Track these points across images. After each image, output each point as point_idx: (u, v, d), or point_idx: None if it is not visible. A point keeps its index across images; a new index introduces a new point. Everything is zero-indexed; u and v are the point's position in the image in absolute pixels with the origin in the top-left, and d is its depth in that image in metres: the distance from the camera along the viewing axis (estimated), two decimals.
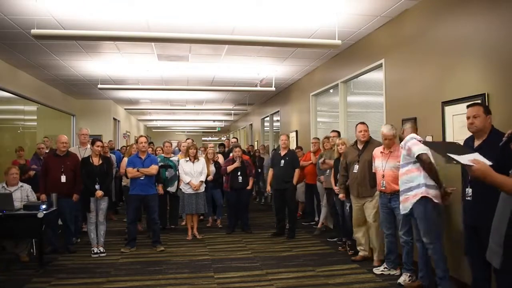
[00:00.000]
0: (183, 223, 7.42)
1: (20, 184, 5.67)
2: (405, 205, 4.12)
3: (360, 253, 5.38)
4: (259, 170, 10.61)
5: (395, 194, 4.52)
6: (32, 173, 6.75)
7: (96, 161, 5.86)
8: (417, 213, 4.00)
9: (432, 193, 3.97)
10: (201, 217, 8.06)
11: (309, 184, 7.80)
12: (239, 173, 7.23)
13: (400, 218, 4.46)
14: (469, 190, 3.35)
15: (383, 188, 4.65)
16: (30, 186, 5.77)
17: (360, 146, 5.27)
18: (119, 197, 8.93)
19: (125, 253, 5.89)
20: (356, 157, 5.22)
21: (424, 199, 3.97)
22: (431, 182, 3.97)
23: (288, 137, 7.03)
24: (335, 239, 6.40)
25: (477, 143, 3.34)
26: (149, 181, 6.11)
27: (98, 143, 5.91)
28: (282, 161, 6.78)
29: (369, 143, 5.25)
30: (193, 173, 6.81)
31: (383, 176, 4.64)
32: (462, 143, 3.65)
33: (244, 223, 7.40)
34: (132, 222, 6.15)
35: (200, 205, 6.86)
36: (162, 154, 7.56)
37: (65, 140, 5.96)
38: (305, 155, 7.95)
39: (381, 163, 4.72)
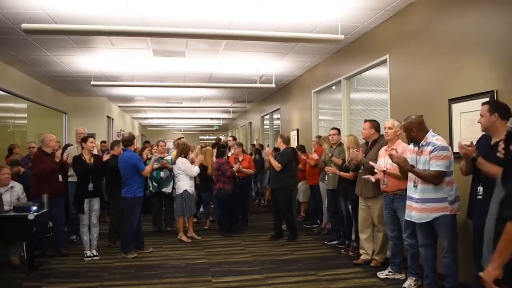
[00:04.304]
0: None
1: (11, 184, 5.61)
2: (421, 215, 3.94)
3: (362, 257, 5.38)
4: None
5: (398, 194, 4.52)
6: (21, 169, 6.67)
7: (88, 159, 5.86)
8: (442, 224, 3.88)
9: (454, 206, 3.89)
10: (196, 220, 8.08)
11: (310, 185, 7.79)
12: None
13: (404, 220, 4.44)
14: (480, 189, 3.36)
15: (384, 186, 4.64)
16: (22, 186, 5.71)
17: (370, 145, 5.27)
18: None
19: (126, 258, 5.84)
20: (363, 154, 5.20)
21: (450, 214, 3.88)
22: (452, 196, 3.88)
23: (282, 137, 6.99)
24: (334, 242, 6.41)
25: (493, 141, 3.33)
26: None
27: (91, 139, 5.93)
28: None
29: (376, 142, 5.19)
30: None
31: (384, 174, 4.62)
32: (474, 142, 3.65)
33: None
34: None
35: (193, 206, 7.08)
36: (156, 154, 7.55)
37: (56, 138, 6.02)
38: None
39: (383, 160, 4.72)
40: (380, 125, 5.25)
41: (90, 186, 5.75)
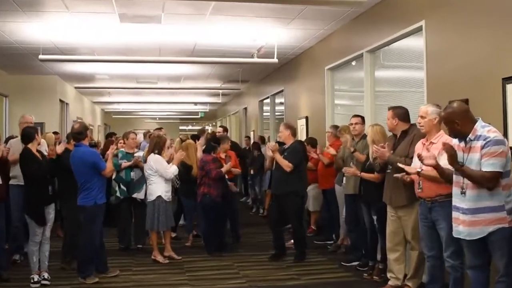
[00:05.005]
0: None
1: None
2: (472, 230, 3.89)
3: (390, 282, 5.36)
4: (251, 172, 10.74)
5: (437, 201, 4.48)
6: None
7: (39, 156, 5.82)
8: (498, 239, 3.84)
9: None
10: (174, 234, 8.13)
11: (323, 190, 7.84)
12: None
13: (444, 235, 4.42)
14: None
15: (420, 190, 4.60)
16: None
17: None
18: None
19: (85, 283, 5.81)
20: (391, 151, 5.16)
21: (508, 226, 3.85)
22: (510, 204, 3.83)
23: (290, 127, 7.02)
24: (354, 263, 6.43)
25: None
26: None
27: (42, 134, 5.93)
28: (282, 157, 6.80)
29: (407, 133, 5.17)
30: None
31: (419, 175, 4.56)
32: None
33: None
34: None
35: (171, 217, 7.07)
36: (123, 149, 7.51)
37: None
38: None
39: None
40: (413, 111, 5.24)
41: (50, 189, 5.78)
